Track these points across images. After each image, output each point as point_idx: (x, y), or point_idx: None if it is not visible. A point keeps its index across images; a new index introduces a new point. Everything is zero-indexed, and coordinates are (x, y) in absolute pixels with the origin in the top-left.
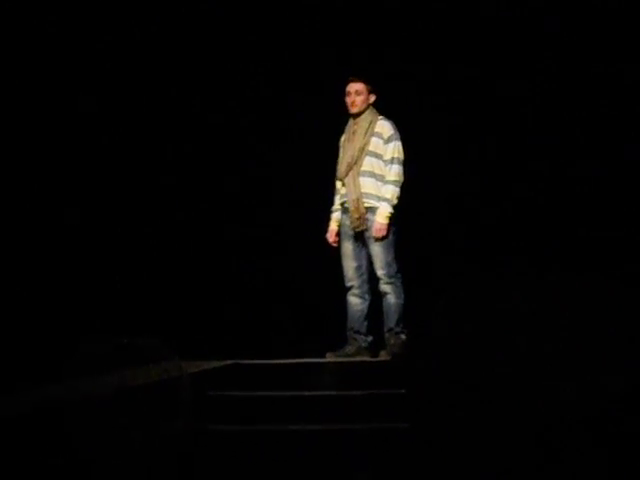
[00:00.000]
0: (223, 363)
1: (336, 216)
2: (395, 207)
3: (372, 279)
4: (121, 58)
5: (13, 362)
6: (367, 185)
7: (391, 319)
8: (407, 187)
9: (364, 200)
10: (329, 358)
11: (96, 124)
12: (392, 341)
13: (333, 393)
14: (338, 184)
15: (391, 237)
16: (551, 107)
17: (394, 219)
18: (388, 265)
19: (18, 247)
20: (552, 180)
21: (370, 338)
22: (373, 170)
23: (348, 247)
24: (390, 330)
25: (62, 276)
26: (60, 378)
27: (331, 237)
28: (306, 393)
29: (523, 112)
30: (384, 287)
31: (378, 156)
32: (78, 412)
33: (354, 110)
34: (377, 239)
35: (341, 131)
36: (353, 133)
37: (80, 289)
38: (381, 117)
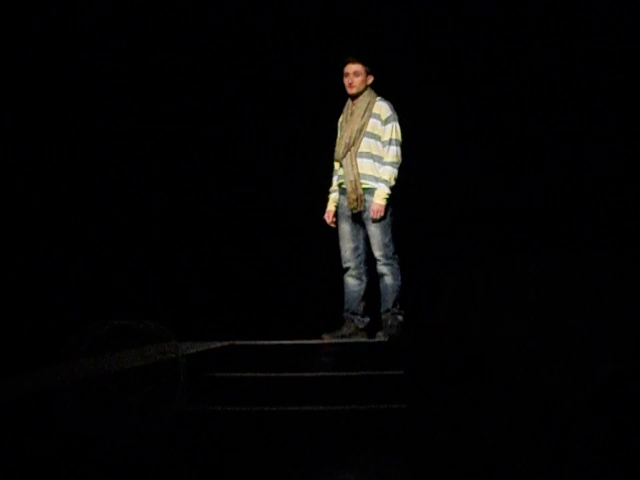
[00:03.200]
0: (220, 344)
1: (334, 197)
2: (393, 188)
3: (370, 260)
4: (121, 57)
5: (11, 345)
6: (365, 166)
7: (388, 300)
8: (406, 169)
9: (362, 181)
10: (326, 339)
11: (99, 120)
12: (389, 322)
13: (330, 374)
14: (336, 165)
15: (388, 218)
16: (554, 89)
17: (392, 200)
18: (385, 246)
19: (20, 233)
20: (555, 165)
21: (367, 319)
22: (371, 151)
23: (345, 228)
24: (387, 311)
25: (60, 259)
26: (57, 361)
27: (329, 218)
28: (303, 374)
29: (525, 94)
30: (381, 268)
31: (376, 137)
32: (75, 394)
33: (352, 91)
34: (375, 220)
35: (339, 112)
36: (351, 114)
37: (77, 272)
38: (379, 98)
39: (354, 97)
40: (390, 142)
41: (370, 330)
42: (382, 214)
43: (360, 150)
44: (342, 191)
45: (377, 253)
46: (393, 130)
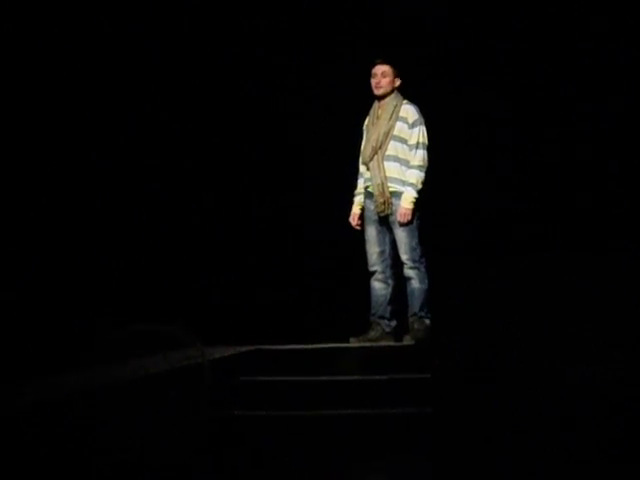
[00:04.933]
0: (245, 349)
1: (359, 200)
2: (420, 192)
3: (396, 264)
4: (125, 57)
5: (37, 350)
6: (392, 169)
7: (415, 304)
8: (432, 172)
9: (389, 185)
10: (353, 343)
11: (101, 119)
12: (416, 326)
13: (357, 378)
14: (362, 168)
15: (415, 222)
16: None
17: (419, 204)
18: (412, 250)
19: (37, 235)
20: (577, 167)
21: (394, 323)
22: (397, 155)
23: (372, 232)
24: (414, 315)
25: (84, 263)
26: (83, 364)
27: (354, 221)
28: (330, 378)
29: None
30: (408, 272)
31: (403, 140)
32: (101, 398)
33: (379, 92)
34: (402, 224)
35: (365, 113)
36: (377, 117)
37: (102, 276)
38: (406, 101)
39: (380, 99)
40: (417, 146)
41: (397, 334)
42: (409, 218)
43: (387, 153)
44: (368, 194)
45: (404, 257)
46: (420, 134)
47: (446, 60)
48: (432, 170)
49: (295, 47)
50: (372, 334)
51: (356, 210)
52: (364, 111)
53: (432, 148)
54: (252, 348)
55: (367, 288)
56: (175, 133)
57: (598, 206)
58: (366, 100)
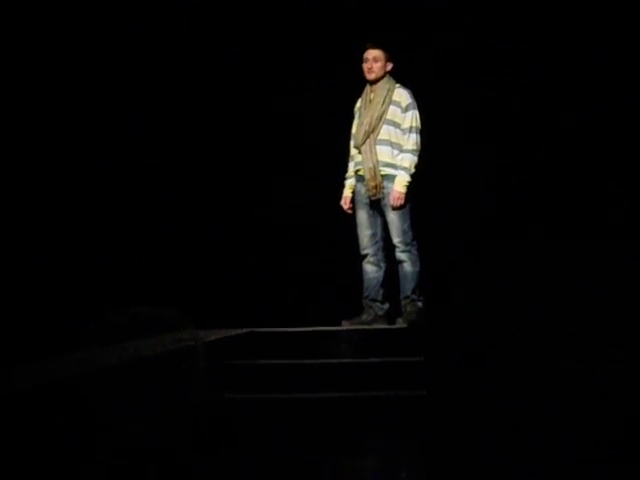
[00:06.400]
0: (238, 331)
1: (350, 183)
2: (412, 176)
3: (388, 246)
4: (125, 57)
5: (29, 333)
6: (384, 153)
7: (407, 287)
8: (424, 156)
9: (380, 168)
10: (345, 326)
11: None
12: (408, 309)
13: (349, 361)
14: (353, 151)
15: (407, 205)
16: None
17: (411, 188)
18: (404, 233)
19: (36, 221)
20: (572, 153)
21: (386, 306)
22: (390, 138)
23: (363, 215)
24: (406, 298)
25: (83, 262)
26: (76, 348)
27: (345, 204)
28: (322, 361)
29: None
30: (400, 255)
31: (396, 124)
32: (94, 382)
33: (371, 77)
34: (394, 207)
35: (356, 97)
36: (370, 101)
37: (96, 259)
38: (399, 85)
39: (372, 83)
40: (410, 130)
41: (389, 317)
42: (402, 201)
43: (380, 137)
44: (359, 178)
45: (396, 240)
46: (413, 118)
47: (446, 59)
48: (433, 169)
49: (292, 45)
50: (365, 317)
51: (347, 194)
52: (356, 95)
53: (425, 132)
54: (246, 331)
55: (359, 271)
56: (175, 133)
57: (598, 206)
58: (358, 84)
